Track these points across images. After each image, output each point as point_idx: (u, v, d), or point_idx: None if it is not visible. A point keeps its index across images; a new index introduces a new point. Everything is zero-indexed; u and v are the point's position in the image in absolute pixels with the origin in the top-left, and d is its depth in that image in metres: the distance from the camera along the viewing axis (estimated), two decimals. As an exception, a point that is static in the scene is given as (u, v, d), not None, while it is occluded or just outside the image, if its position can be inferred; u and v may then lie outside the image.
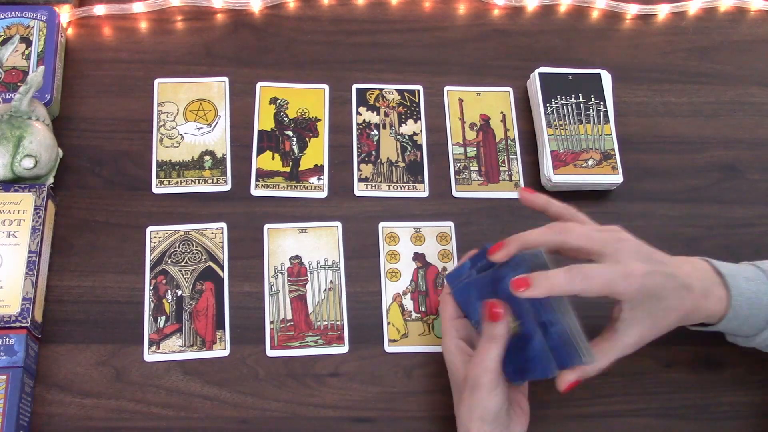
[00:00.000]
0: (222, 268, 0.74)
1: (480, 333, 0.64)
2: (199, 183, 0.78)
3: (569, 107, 0.81)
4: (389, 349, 0.72)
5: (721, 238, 0.79)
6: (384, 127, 0.82)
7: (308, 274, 0.75)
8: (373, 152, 0.81)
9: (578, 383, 0.62)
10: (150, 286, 0.73)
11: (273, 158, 0.80)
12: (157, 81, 0.82)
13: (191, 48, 0.84)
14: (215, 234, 0.75)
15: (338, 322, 0.73)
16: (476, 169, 0.81)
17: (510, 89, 0.85)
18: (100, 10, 0.85)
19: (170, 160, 0.78)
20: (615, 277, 0.60)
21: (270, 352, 0.71)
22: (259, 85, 0.83)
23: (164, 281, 0.73)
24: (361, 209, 0.78)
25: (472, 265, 0.67)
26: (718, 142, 0.85)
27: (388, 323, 0.73)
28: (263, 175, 0.79)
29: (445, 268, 0.76)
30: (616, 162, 0.79)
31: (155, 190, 0.77)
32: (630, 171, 0.80)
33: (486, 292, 0.65)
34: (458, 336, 0.67)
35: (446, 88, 0.85)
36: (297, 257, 0.75)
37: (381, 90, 0.84)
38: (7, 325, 0.67)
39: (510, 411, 0.63)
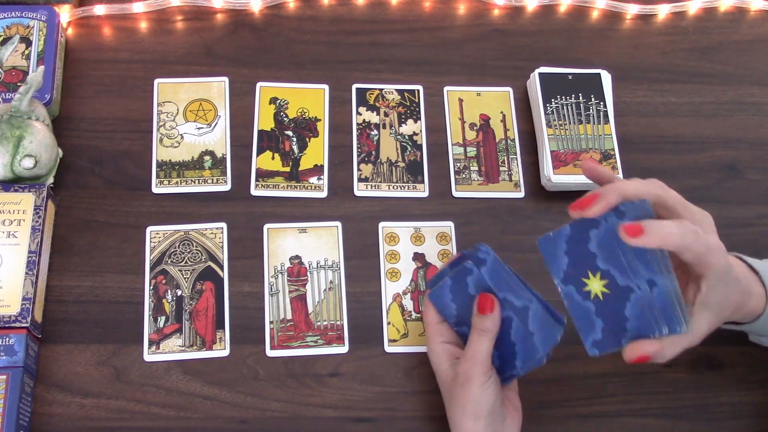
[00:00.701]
0: (222, 268, 0.74)
1: (460, 332, 0.65)
2: (199, 183, 0.78)
3: (569, 107, 0.81)
4: (389, 349, 0.72)
5: (721, 238, 0.79)
6: (384, 127, 0.82)
7: (308, 274, 0.75)
8: (373, 152, 0.81)
9: (647, 359, 0.57)
10: (150, 286, 0.73)
11: (273, 158, 0.80)
12: (157, 81, 0.82)
13: (191, 48, 0.84)
14: (215, 234, 0.75)
15: (338, 322, 0.73)
16: (476, 169, 0.81)
17: (510, 89, 0.85)
18: (100, 10, 0.85)
19: (170, 160, 0.78)
20: (715, 248, 0.56)
21: (270, 352, 0.71)
22: (259, 85, 0.83)
23: (164, 281, 0.73)
24: (361, 209, 0.78)
25: (450, 268, 0.67)
26: (718, 142, 0.85)
27: (388, 323, 0.73)
28: (263, 175, 0.79)
29: (445, 268, 0.76)
30: (616, 162, 0.79)
31: (155, 190, 0.77)
32: (630, 171, 0.80)
33: (460, 291, 0.65)
34: (443, 339, 0.67)
35: (446, 88, 0.85)
36: (297, 257, 0.75)
37: (381, 90, 0.84)
38: (7, 325, 0.67)
39: (503, 408, 0.64)
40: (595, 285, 0.58)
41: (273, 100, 0.82)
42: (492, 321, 0.62)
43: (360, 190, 0.79)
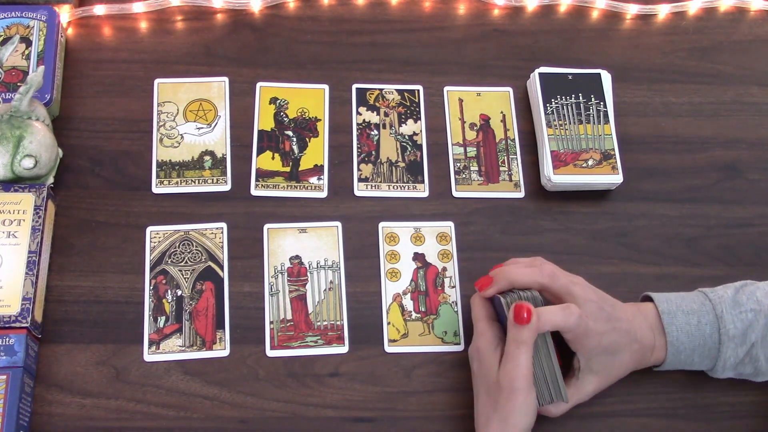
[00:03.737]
0: (222, 268, 0.74)
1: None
2: (199, 183, 0.78)
3: (569, 107, 0.81)
4: (389, 349, 0.72)
5: (721, 238, 0.79)
6: (384, 127, 0.82)
7: (308, 274, 0.75)
8: (373, 152, 0.81)
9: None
10: (150, 286, 0.73)
11: (273, 158, 0.80)
12: (157, 81, 0.82)
13: (191, 48, 0.84)
14: (215, 234, 0.75)
15: (338, 322, 0.73)
16: (476, 169, 0.81)
17: (510, 89, 0.85)
18: (100, 10, 0.85)
19: (170, 160, 0.78)
20: (593, 332, 0.64)
21: (270, 352, 0.71)
22: (259, 85, 0.83)
23: (164, 281, 0.73)
24: (361, 209, 0.78)
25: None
26: (718, 142, 0.85)
27: (388, 323, 0.73)
28: (263, 175, 0.79)
29: (445, 268, 0.76)
30: (616, 162, 0.79)
31: (155, 190, 0.77)
32: (630, 171, 0.80)
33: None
34: (497, 335, 0.66)
35: (446, 88, 0.85)
36: (297, 257, 0.75)
37: (381, 90, 0.84)
38: (7, 325, 0.67)
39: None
40: None
41: (273, 100, 0.82)
42: (529, 331, 0.62)
43: (360, 190, 0.79)
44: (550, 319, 0.63)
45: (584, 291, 0.66)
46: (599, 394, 0.70)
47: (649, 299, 0.70)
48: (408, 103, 0.84)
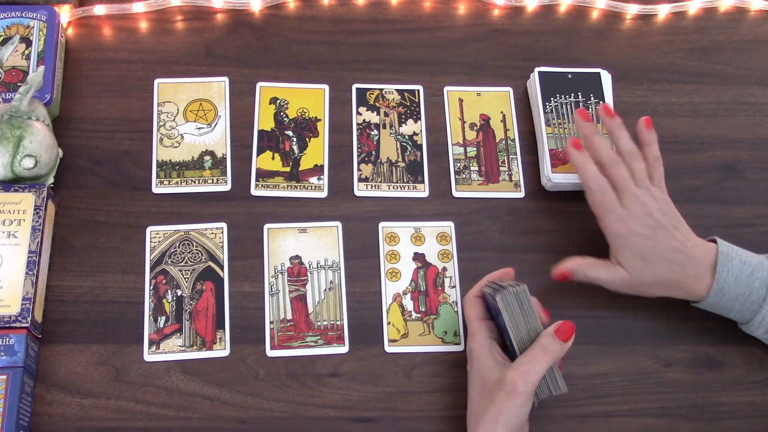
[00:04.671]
0: (222, 268, 0.74)
1: (509, 339, 0.64)
2: (199, 183, 0.78)
3: (569, 106, 0.81)
4: (389, 349, 0.72)
5: (721, 238, 0.79)
6: (384, 127, 0.82)
7: (308, 274, 0.75)
8: (373, 152, 0.81)
9: (568, 277, 0.71)
10: (150, 286, 0.73)
11: (273, 158, 0.80)
12: (157, 81, 0.82)
13: (191, 48, 0.84)
14: (215, 234, 0.75)
15: (338, 322, 0.73)
16: (476, 169, 0.81)
17: (510, 89, 0.85)
18: (100, 10, 0.85)
19: (170, 160, 0.78)
20: (611, 222, 0.70)
21: (270, 352, 0.71)
22: (259, 85, 0.83)
23: (164, 281, 0.73)
24: (361, 209, 0.78)
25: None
26: (718, 142, 0.85)
27: (388, 323, 0.73)
28: (263, 175, 0.79)
29: (445, 268, 0.76)
30: (616, 162, 0.79)
31: (155, 190, 0.77)
32: (630, 171, 0.80)
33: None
34: (490, 335, 0.66)
35: (446, 88, 0.85)
36: (297, 257, 0.75)
37: (381, 90, 0.84)
38: (7, 325, 0.67)
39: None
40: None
41: (273, 100, 0.82)
42: (562, 348, 0.63)
43: (360, 190, 0.79)
44: (592, 274, 0.71)
45: (644, 193, 0.71)
46: (599, 393, 0.70)
47: (715, 242, 0.71)
48: (408, 103, 0.84)
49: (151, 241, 0.75)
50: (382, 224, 0.77)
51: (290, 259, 0.75)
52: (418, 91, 0.84)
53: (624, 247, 0.70)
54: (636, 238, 0.69)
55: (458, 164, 0.81)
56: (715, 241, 0.71)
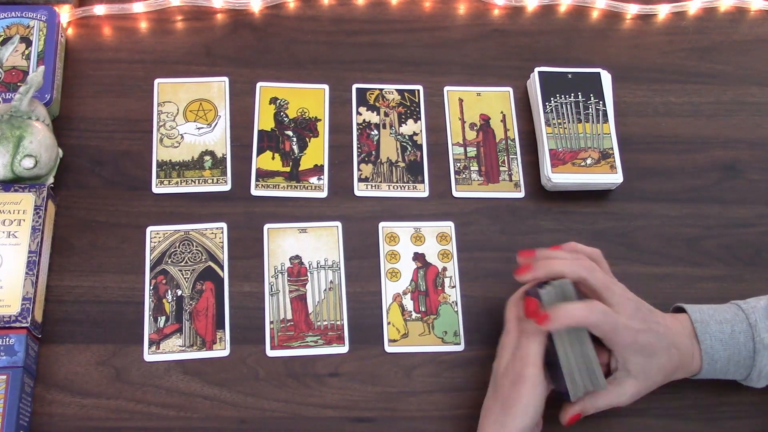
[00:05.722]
0: (222, 268, 0.74)
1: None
2: (199, 183, 0.78)
3: (568, 106, 0.81)
4: (389, 349, 0.72)
5: (721, 238, 0.79)
6: (384, 127, 0.82)
7: (308, 274, 0.75)
8: (373, 152, 0.81)
9: (579, 418, 0.66)
10: (150, 286, 0.73)
11: (273, 158, 0.80)
12: (157, 81, 0.82)
13: (191, 48, 0.84)
14: (215, 234, 0.75)
15: (338, 322, 0.73)
16: (476, 169, 0.81)
17: (510, 89, 0.85)
18: (100, 10, 0.85)
19: (170, 160, 0.78)
20: (623, 328, 0.63)
21: (270, 352, 0.71)
22: (259, 85, 0.83)
23: (164, 281, 0.73)
24: (361, 209, 0.78)
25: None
26: (718, 142, 0.85)
27: (388, 323, 0.73)
28: (263, 175, 0.79)
29: (445, 268, 0.76)
30: (614, 161, 0.79)
31: (155, 190, 0.77)
32: (630, 171, 0.80)
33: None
34: (516, 338, 0.66)
35: (446, 88, 0.85)
36: (297, 257, 0.75)
37: (381, 90, 0.84)
38: (7, 325, 0.67)
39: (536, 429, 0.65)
40: None
41: (273, 100, 0.82)
42: (532, 324, 0.63)
43: (360, 190, 0.79)
44: (571, 314, 0.62)
45: (623, 289, 0.66)
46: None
47: (681, 310, 0.69)
48: (408, 103, 0.84)
49: (151, 241, 0.75)
50: (382, 224, 0.77)
51: (290, 259, 0.75)
52: (418, 91, 0.84)
53: (633, 353, 0.64)
54: (641, 337, 0.64)
55: (458, 164, 0.81)
56: (680, 309, 0.69)
